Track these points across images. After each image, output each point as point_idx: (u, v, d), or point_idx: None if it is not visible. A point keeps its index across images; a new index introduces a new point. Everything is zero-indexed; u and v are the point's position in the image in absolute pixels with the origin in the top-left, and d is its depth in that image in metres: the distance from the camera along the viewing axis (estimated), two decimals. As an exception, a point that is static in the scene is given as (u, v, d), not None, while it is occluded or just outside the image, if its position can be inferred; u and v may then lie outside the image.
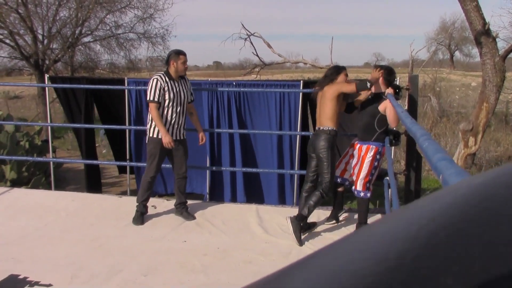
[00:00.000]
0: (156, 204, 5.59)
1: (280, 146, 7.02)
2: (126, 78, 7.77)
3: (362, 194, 4.66)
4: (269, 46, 14.01)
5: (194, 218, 5.18)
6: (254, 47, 13.86)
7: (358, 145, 4.74)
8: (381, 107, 4.64)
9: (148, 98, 4.84)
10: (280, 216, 5.11)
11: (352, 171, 4.79)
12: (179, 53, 4.93)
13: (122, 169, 8.47)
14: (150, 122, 4.97)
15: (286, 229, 4.67)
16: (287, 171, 6.44)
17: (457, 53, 50.07)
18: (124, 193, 7.41)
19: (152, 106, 4.83)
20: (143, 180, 5.10)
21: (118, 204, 5.60)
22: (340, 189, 4.98)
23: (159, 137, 4.91)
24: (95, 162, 7.41)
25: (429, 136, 1.43)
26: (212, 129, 6.82)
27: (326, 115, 4.59)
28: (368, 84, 4.51)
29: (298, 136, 6.80)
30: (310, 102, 6.96)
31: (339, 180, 4.89)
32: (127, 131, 7.36)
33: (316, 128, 4.69)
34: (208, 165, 7.09)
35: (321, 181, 4.59)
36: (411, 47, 17.72)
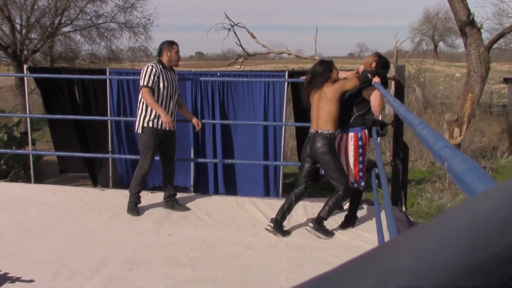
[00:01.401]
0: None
1: (265, 138, 7.01)
2: (107, 68, 7.68)
3: (356, 185, 4.55)
4: (253, 36, 13.96)
5: (187, 209, 5.15)
6: (237, 37, 13.79)
7: (339, 136, 4.56)
8: (364, 93, 4.49)
9: (141, 84, 4.78)
10: (266, 208, 5.09)
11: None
12: (172, 43, 4.95)
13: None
14: (142, 111, 4.88)
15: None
16: (272, 163, 6.44)
17: (441, 44, 50.58)
18: (106, 186, 7.33)
19: (145, 91, 4.76)
20: (136, 173, 5.03)
21: (101, 197, 5.53)
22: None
23: (155, 126, 4.85)
24: (75, 154, 7.28)
25: (426, 124, 1.41)
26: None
27: (325, 118, 4.35)
28: (369, 75, 4.36)
29: (283, 127, 6.79)
30: (294, 93, 6.95)
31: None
32: (108, 122, 7.28)
33: (313, 130, 4.44)
34: (192, 157, 7.04)
35: (337, 186, 4.36)
36: (395, 38, 17.79)
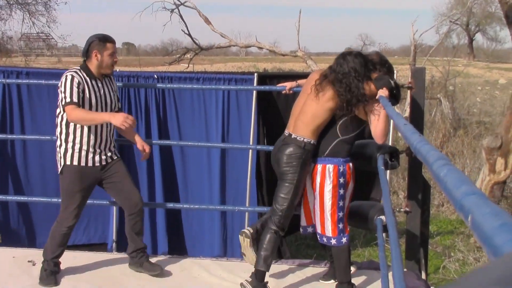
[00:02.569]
0: (36, 258, 5.47)
1: (223, 167, 7.00)
2: (-11, 65, 7.59)
3: (333, 241, 4.61)
4: (207, 21, 14.10)
5: (160, 270, 5.17)
6: (185, 22, 13.89)
7: (312, 167, 4.63)
8: (360, 108, 4.51)
9: (64, 101, 4.72)
10: (225, 273, 5.11)
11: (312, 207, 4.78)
12: (105, 40, 4.92)
13: None
14: (61, 142, 4.88)
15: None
16: (233, 208, 6.45)
17: (478, 37, 51.84)
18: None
19: (71, 109, 4.69)
20: (55, 230, 5.01)
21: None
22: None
23: (81, 164, 4.85)
24: None
25: (447, 160, 1.46)
26: (120, 139, 6.75)
27: (307, 121, 4.50)
28: (392, 82, 4.47)
29: (250, 152, 6.80)
30: (267, 106, 7.00)
31: (309, 230, 4.92)
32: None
33: (286, 132, 4.64)
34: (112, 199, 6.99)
35: (274, 211, 4.61)
36: (413, 27, 18.15)
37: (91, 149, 4.87)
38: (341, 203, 4.55)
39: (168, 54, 21.59)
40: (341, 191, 4.53)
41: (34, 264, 5.37)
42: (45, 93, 7.05)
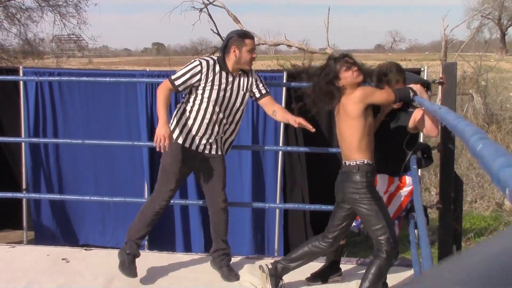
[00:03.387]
0: (69, 256, 5.53)
1: (255, 166, 7.01)
2: (21, 67, 7.69)
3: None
4: (236, 20, 14.12)
5: (237, 278, 5.16)
6: (213, 21, 13.95)
7: (394, 185, 4.90)
8: (410, 123, 4.73)
9: (171, 76, 4.88)
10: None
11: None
12: (244, 36, 4.95)
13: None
14: (173, 122, 4.99)
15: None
16: (264, 205, 6.46)
17: (511, 31, 51.23)
18: (17, 242, 7.29)
19: (165, 85, 4.85)
20: (145, 208, 5.07)
21: (8, 258, 5.52)
22: (342, 242, 5.00)
23: (185, 144, 4.93)
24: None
25: (484, 134, 1.43)
26: (151, 142, 6.78)
27: (346, 145, 4.50)
28: (411, 94, 4.43)
29: (280, 153, 6.81)
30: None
31: (354, 224, 4.92)
32: (23, 145, 7.27)
33: (343, 163, 4.55)
34: (146, 197, 7.05)
35: (376, 241, 4.44)
36: (443, 23, 18.03)
37: (199, 134, 4.92)
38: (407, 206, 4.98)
39: (197, 53, 21.69)
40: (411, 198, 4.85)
41: (68, 262, 5.42)
42: (76, 92, 7.13)
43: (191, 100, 4.90)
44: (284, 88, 6.77)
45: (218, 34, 13.84)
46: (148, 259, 5.49)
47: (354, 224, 4.89)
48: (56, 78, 6.86)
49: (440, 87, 5.29)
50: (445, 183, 5.24)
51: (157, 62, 40.03)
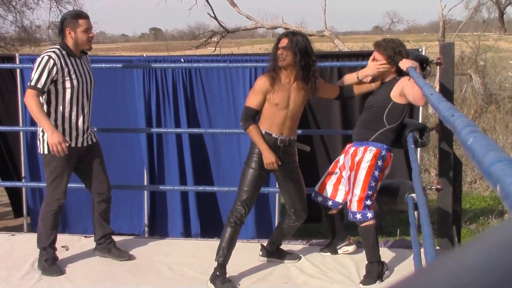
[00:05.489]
0: (69, 243, 5.53)
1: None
2: (17, 54, 7.65)
3: (358, 216, 4.76)
4: (232, 4, 14.06)
5: (128, 256, 5.21)
6: (210, 6, 13.89)
7: (353, 149, 4.88)
8: (394, 92, 4.73)
9: (29, 83, 4.79)
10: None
11: (347, 187, 4.92)
12: (77, 17, 4.94)
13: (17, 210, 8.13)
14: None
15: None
16: (265, 190, 6.45)
17: (510, 10, 51.11)
18: (17, 229, 7.29)
19: (31, 94, 4.74)
20: (44, 213, 5.05)
21: (9, 246, 5.52)
22: (333, 211, 5.16)
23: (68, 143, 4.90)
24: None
25: (475, 127, 1.42)
26: (149, 128, 6.77)
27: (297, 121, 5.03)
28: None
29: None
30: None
31: (329, 203, 5.07)
32: (21, 134, 7.25)
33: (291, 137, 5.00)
34: (145, 183, 7.03)
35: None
36: (441, 3, 17.96)
37: (73, 127, 4.96)
38: (372, 183, 4.73)
39: (195, 38, 21.59)
40: (376, 173, 4.73)
41: (67, 249, 5.43)
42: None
43: (53, 98, 4.90)
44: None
45: (215, 18, 13.78)
46: (147, 244, 5.52)
47: (330, 203, 5.07)
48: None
49: (438, 67, 5.28)
50: (444, 164, 5.25)
51: (155, 47, 39.95)
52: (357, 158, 4.74)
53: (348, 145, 5.04)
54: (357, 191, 4.71)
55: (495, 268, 0.42)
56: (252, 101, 4.75)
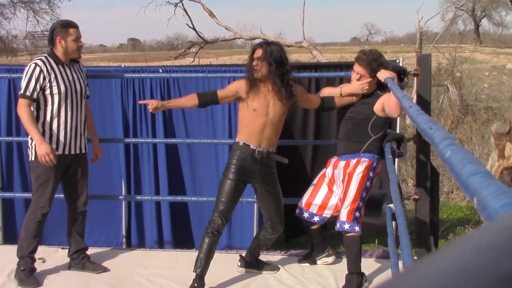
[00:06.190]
0: (46, 255, 5.48)
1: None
2: (-6, 64, 7.58)
3: (347, 226, 4.75)
4: (211, 14, 14.08)
5: (103, 269, 5.19)
6: (189, 16, 13.89)
7: (343, 161, 4.88)
8: (376, 107, 4.76)
9: (19, 92, 4.84)
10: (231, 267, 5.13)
11: (337, 200, 4.93)
12: (68, 26, 4.97)
13: None
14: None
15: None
16: (243, 199, 6.43)
17: (485, 22, 51.60)
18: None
19: (22, 103, 4.79)
20: (28, 221, 5.01)
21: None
22: (315, 226, 5.18)
23: (57, 151, 4.88)
24: None
25: (453, 140, 1.43)
26: (125, 138, 6.73)
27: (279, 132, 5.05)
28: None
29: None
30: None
31: (316, 219, 5.07)
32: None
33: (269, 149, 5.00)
34: (123, 194, 6.99)
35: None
36: (418, 15, 18.12)
37: (61, 135, 4.95)
38: (363, 194, 4.78)
39: (173, 49, 21.58)
40: (368, 184, 4.78)
41: (44, 261, 5.38)
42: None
43: (42, 103, 4.92)
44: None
45: (194, 29, 13.78)
46: (125, 256, 5.49)
47: (317, 219, 5.07)
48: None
49: (415, 78, 5.32)
50: (422, 174, 5.28)
51: (133, 57, 39.82)
52: (348, 170, 4.76)
53: (333, 159, 5.05)
54: (348, 201, 4.72)
55: (467, 270, 0.45)
56: (221, 90, 4.89)
